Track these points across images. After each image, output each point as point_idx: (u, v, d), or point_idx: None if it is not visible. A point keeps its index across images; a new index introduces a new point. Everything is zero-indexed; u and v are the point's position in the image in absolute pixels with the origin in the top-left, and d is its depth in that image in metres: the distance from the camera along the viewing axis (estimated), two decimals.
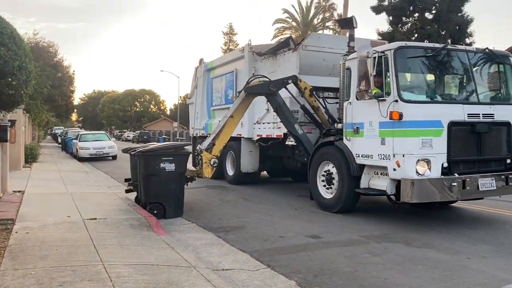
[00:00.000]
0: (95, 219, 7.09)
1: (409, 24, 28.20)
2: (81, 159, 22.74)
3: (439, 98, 7.37)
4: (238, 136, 11.99)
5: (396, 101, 6.90)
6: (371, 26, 64.44)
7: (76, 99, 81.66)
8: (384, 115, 7.05)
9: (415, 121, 6.84)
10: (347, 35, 9.15)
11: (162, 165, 7.44)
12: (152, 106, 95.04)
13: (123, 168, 18.15)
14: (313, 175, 8.82)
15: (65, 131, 38.15)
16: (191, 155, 10.86)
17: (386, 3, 27.93)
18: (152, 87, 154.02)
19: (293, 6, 49.70)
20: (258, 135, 11.53)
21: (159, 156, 7.47)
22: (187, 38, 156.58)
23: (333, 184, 8.30)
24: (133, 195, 9.14)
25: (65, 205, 8.45)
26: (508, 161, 7.56)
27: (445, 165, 6.98)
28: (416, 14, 27.87)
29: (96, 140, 24.70)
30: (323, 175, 8.58)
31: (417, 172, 6.81)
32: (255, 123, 11.63)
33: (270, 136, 10.99)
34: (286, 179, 13.54)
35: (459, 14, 26.01)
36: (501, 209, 8.69)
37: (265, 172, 13.66)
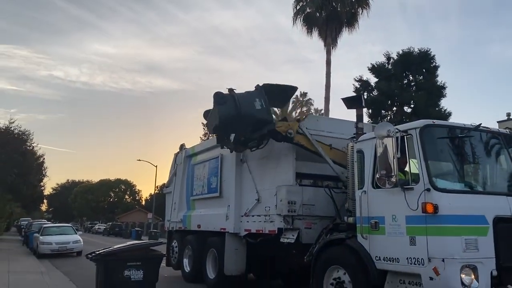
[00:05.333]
0: None
1: (388, 117, 28.33)
2: (41, 256, 20.10)
3: (478, 188, 6.04)
4: (222, 231, 10.26)
5: (429, 189, 5.52)
6: (350, 118, 65.98)
7: (48, 189, 78.75)
8: (413, 207, 5.61)
9: (455, 215, 5.40)
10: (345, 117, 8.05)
11: (126, 272, 5.62)
12: (127, 196, 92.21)
13: (86, 268, 15.75)
14: (318, 285, 7.04)
15: (29, 223, 35.14)
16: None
17: (365, 97, 28.31)
18: (129, 176, 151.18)
19: None
20: (246, 230, 9.79)
21: (124, 261, 5.67)
22: (167, 128, 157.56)
23: None
24: None
25: None
26: None
27: (494, 273, 5.43)
28: (394, 108, 28.16)
29: (60, 234, 22.24)
30: (332, 284, 6.82)
31: (462, 283, 5.23)
32: (242, 216, 9.97)
33: (260, 232, 9.27)
34: (276, 282, 11.55)
35: (437, 109, 26.34)
36: None
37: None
